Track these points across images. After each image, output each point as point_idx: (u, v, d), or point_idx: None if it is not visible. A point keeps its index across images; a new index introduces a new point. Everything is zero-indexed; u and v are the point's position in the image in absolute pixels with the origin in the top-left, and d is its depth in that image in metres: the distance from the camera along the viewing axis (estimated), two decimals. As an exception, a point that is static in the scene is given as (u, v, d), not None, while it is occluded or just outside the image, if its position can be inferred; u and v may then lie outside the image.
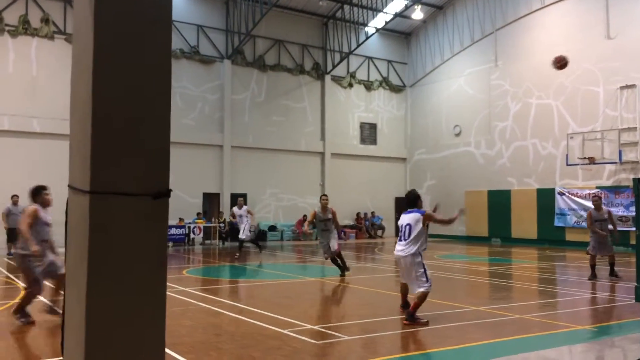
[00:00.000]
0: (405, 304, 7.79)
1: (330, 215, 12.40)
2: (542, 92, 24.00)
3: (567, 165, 21.90)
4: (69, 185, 2.69)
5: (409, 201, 7.87)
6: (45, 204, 7.80)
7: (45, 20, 21.64)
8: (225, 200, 25.00)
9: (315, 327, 6.99)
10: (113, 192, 2.45)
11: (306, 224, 14.60)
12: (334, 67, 28.11)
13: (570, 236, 22.36)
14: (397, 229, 7.91)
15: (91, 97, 2.45)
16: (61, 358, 5.59)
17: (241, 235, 17.53)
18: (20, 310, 7.35)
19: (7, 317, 8.07)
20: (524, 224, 24.05)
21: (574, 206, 22.16)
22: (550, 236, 22.92)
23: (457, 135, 27.95)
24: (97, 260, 2.43)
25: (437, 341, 6.50)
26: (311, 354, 5.92)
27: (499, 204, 25.09)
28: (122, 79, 2.49)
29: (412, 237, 7.43)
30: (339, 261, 12.46)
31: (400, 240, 7.58)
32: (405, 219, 7.63)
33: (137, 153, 2.53)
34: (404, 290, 7.84)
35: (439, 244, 24.37)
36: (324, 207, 12.44)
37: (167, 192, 2.61)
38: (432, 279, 7.56)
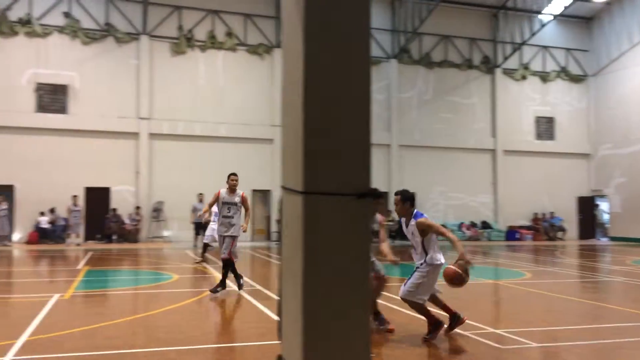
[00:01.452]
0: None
1: (237, 199, 9.43)
2: None
3: None
4: (282, 186, 2.95)
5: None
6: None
7: (229, 34, 23.74)
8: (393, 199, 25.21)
9: (498, 331, 6.76)
10: (323, 193, 2.64)
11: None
12: (505, 59, 26.81)
13: None
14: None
15: (302, 104, 2.66)
16: (277, 342, 6.14)
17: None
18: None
19: (207, 303, 9.00)
20: None
21: None
22: None
23: (652, 126, 24.95)
24: (311, 255, 2.64)
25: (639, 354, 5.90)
26: (497, 358, 5.75)
27: None
28: (330, 86, 2.67)
29: None
30: (226, 271, 9.38)
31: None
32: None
33: (344, 156, 2.70)
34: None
35: (632, 249, 22.02)
36: (232, 189, 9.48)
37: (369, 193, 2.74)
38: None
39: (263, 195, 24.44)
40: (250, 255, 17.93)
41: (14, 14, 21.26)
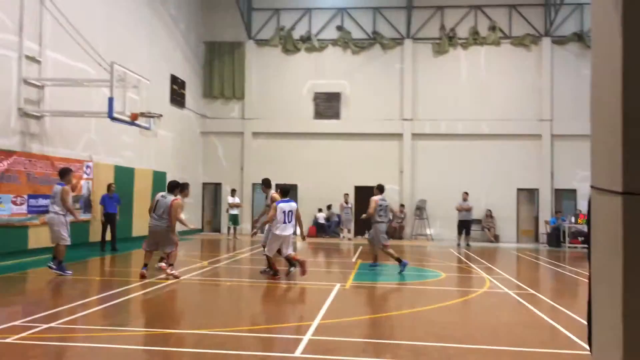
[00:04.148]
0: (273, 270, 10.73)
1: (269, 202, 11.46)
2: None
3: None
4: (591, 186, 2.75)
5: (285, 192, 10.73)
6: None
7: (492, 28, 23.07)
8: None
9: None
10: (648, 194, 2.38)
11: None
12: None
13: None
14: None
15: (621, 98, 2.44)
16: (564, 351, 5.84)
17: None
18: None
19: (479, 303, 8.88)
20: None
21: None
22: None
23: None
24: (633, 262, 2.41)
25: None
26: None
27: None
28: (656, 76, 2.40)
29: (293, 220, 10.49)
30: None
31: (285, 222, 10.27)
32: (291, 206, 10.49)
33: (673, 152, 2.40)
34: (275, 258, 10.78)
35: None
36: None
37: None
38: None
39: (529, 194, 23.15)
40: (517, 257, 17.15)
41: (297, 33, 24.10)
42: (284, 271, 11.01)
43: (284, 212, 10.27)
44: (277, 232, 10.26)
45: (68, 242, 10.37)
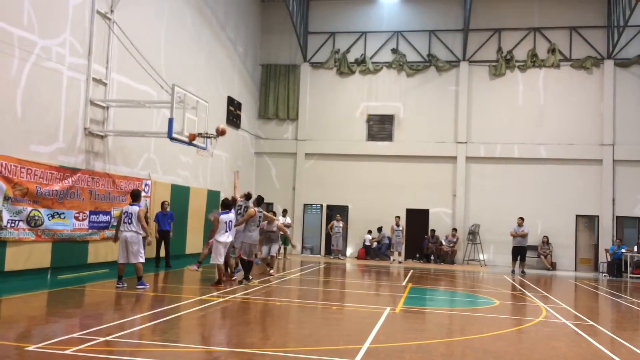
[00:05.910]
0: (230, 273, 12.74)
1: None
2: None
3: None
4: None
5: (225, 206, 12.21)
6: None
7: (552, 50, 22.59)
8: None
9: None
10: None
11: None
12: None
13: None
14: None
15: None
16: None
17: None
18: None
19: (534, 333, 8.58)
20: None
21: None
22: None
23: None
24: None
25: None
26: None
27: None
28: None
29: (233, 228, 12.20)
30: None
31: (226, 231, 11.89)
32: (229, 217, 12.03)
33: None
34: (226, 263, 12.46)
35: None
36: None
37: None
38: None
39: (589, 221, 22.27)
40: (575, 286, 16.48)
41: (352, 56, 24.32)
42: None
43: (225, 222, 11.87)
44: (220, 239, 11.80)
45: (144, 259, 11.02)
